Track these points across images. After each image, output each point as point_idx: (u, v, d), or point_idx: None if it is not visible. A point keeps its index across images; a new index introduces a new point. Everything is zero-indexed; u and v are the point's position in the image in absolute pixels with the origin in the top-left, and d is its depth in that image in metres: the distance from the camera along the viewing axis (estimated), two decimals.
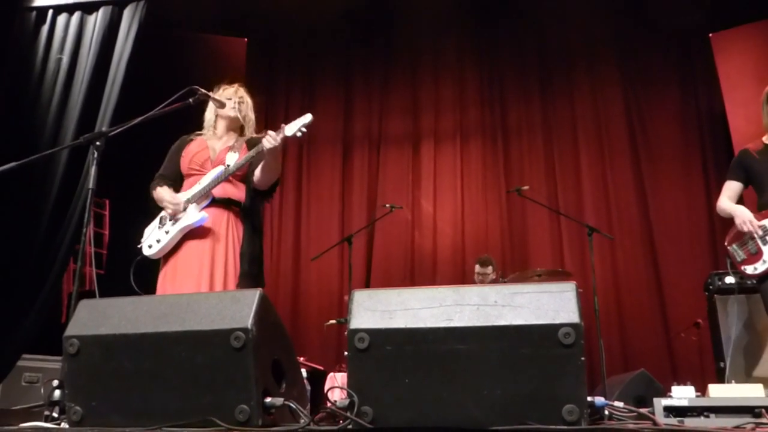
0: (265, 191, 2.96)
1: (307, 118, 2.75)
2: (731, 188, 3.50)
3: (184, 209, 2.87)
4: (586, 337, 1.58)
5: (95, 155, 2.66)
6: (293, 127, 2.75)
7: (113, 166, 3.92)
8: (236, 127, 3.10)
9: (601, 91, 6.76)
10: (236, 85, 3.14)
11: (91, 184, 2.65)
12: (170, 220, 2.90)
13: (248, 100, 3.13)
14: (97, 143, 2.67)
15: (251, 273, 2.83)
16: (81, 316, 1.86)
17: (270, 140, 2.73)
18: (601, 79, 6.78)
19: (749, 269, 3.31)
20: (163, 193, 2.95)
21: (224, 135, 3.08)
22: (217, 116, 3.10)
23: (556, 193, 6.54)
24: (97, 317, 1.83)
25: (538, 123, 6.80)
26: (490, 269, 5.51)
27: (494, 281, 5.45)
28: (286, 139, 2.74)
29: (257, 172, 2.89)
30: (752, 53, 5.81)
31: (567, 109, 6.78)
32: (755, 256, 3.29)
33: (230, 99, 3.07)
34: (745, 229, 3.32)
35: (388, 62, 7.20)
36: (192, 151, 3.02)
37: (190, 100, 2.85)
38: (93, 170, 2.65)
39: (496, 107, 6.95)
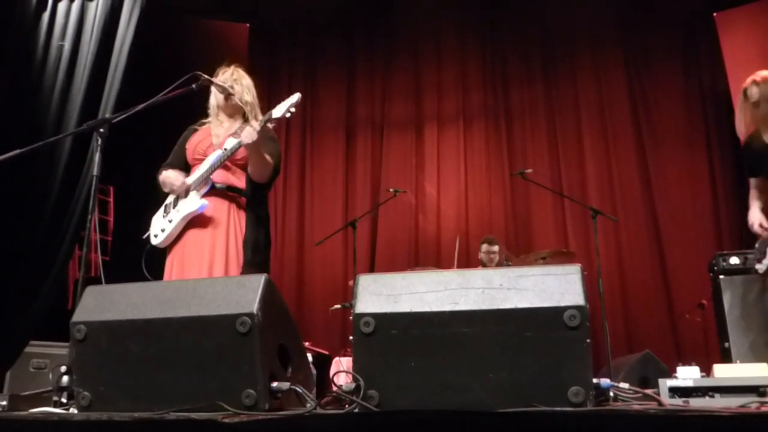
0: (262, 184, 2.91)
1: (295, 97, 2.73)
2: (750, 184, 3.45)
3: (186, 195, 2.86)
4: (591, 319, 1.57)
5: (99, 142, 2.65)
6: (281, 109, 2.72)
7: (117, 152, 3.91)
8: (238, 112, 3.04)
9: (605, 72, 6.72)
10: (232, 67, 3.07)
11: (95, 171, 2.65)
12: (174, 207, 2.88)
13: (246, 81, 3.04)
14: (101, 130, 2.67)
15: (255, 262, 2.79)
16: (88, 302, 1.86)
17: (248, 133, 2.69)
18: (604, 60, 6.74)
19: (759, 267, 3.31)
20: (168, 173, 2.93)
21: (228, 121, 3.04)
22: (218, 103, 3.05)
23: (560, 176, 6.53)
24: (103, 303, 1.84)
25: (541, 105, 6.77)
26: (497, 248, 5.53)
27: (500, 263, 5.46)
28: (276, 120, 2.71)
29: (249, 166, 2.86)
30: (757, 32, 5.75)
31: (570, 90, 6.75)
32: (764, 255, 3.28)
33: (227, 81, 3.00)
34: (754, 230, 3.29)
35: (390, 45, 7.16)
36: (196, 141, 2.99)
37: (193, 86, 2.82)
38: (97, 157, 2.65)
39: (498, 90, 6.91)
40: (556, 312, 1.53)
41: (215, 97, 3.05)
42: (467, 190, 6.66)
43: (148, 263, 2.88)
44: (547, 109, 6.75)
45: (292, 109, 2.72)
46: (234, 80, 3.01)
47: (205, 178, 2.85)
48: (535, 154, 6.63)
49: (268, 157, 2.84)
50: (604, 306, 4.56)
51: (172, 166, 3.00)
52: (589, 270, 4.40)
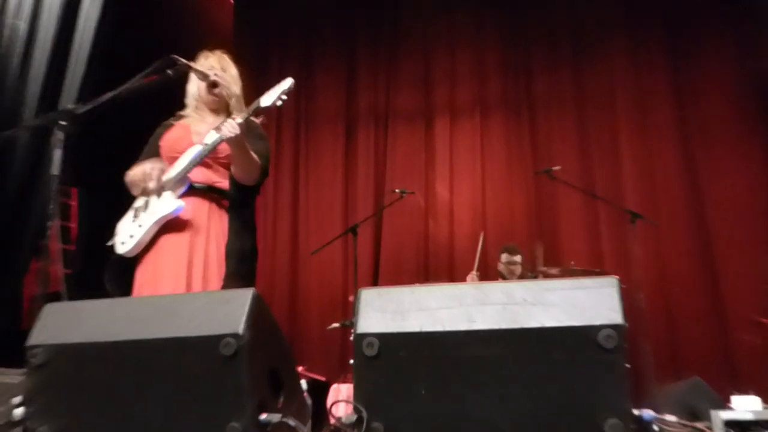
0: (248, 187, 2.91)
1: (287, 83, 2.73)
2: None
3: (159, 195, 2.86)
4: (630, 339, 1.57)
5: (60, 137, 2.66)
6: (271, 96, 2.72)
7: (82, 149, 3.92)
8: (221, 104, 3.04)
9: (644, 55, 6.69)
10: (218, 53, 3.07)
11: (55, 170, 2.65)
12: (145, 210, 2.87)
13: (234, 71, 3.07)
14: (63, 123, 2.67)
15: (239, 274, 2.78)
16: (47, 322, 1.87)
17: (230, 126, 2.67)
18: (643, 41, 6.72)
19: None
20: (136, 171, 2.91)
21: (210, 116, 3.03)
22: (199, 93, 3.04)
23: (592, 174, 6.51)
24: (65, 323, 1.84)
25: (570, 94, 6.76)
26: (518, 258, 5.53)
27: (522, 276, 5.45)
28: (264, 110, 2.70)
29: (232, 166, 2.86)
30: None
31: (604, 77, 6.73)
32: None
33: (212, 70, 3.00)
34: None
35: (396, 27, 7.19)
36: (172, 137, 2.98)
37: (169, 71, 2.82)
38: (58, 154, 2.65)
39: (520, 76, 6.91)
40: (589, 331, 1.53)
41: (196, 87, 3.04)
42: (485, 192, 6.66)
43: (114, 276, 2.87)
44: (576, 99, 6.74)
45: (284, 97, 2.71)
46: (221, 69, 3.02)
47: (182, 177, 2.84)
48: (563, 149, 6.62)
49: (254, 155, 2.84)
50: (646, 324, 4.53)
51: None
52: (627, 282, 4.39)
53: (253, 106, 2.75)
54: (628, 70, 6.69)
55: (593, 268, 5.62)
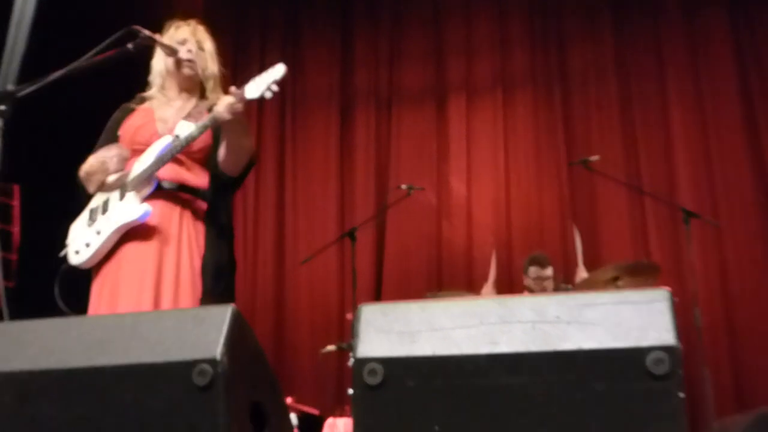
0: (234, 179, 2.94)
1: (279, 70, 2.70)
2: None
3: (121, 197, 2.87)
4: (686, 364, 1.57)
5: (0, 124, 2.67)
6: (260, 86, 2.70)
7: (25, 139, 3.93)
8: (193, 86, 3.06)
9: (701, 22, 6.70)
10: (193, 23, 3.08)
11: None
12: (103, 213, 2.88)
13: (209, 45, 3.08)
14: (2, 107, 2.68)
15: (216, 291, 2.81)
16: None
17: (226, 107, 2.68)
18: (700, 6, 6.71)
19: None
20: (91, 162, 2.92)
21: (177, 99, 3.05)
22: (167, 72, 3.05)
23: (638, 165, 6.52)
24: (7, 347, 1.85)
25: (611, 68, 6.76)
26: (549, 271, 5.51)
27: (555, 288, 5.45)
28: (247, 103, 2.70)
29: (221, 152, 2.87)
30: None
31: (651, 48, 6.74)
32: None
33: (184, 44, 3.02)
34: None
35: None
36: (134, 125, 2.99)
37: (130, 45, 2.83)
38: None
39: (551, 47, 6.92)
40: (635, 355, 1.53)
41: (163, 63, 3.05)
42: (508, 187, 6.67)
43: (65, 290, 2.88)
44: (619, 75, 6.74)
45: (275, 87, 2.70)
46: (196, 42, 3.03)
47: (149, 176, 2.84)
48: (602, 135, 6.63)
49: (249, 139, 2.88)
50: (703, 346, 4.53)
51: None
52: (681, 295, 4.39)
53: (238, 95, 2.70)
54: (681, 39, 6.69)
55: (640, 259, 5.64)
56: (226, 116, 2.70)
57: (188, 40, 3.03)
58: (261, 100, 2.74)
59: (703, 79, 6.59)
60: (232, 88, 2.72)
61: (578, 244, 5.80)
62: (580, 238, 5.84)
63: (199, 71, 3.02)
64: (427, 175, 6.69)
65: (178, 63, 3.00)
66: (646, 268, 5.22)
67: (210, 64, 3.06)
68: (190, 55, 3.01)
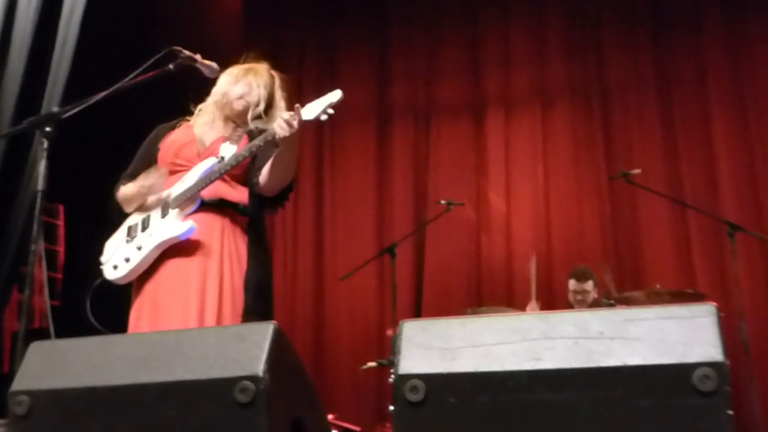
0: (274, 198, 2.96)
1: (336, 95, 2.70)
2: None
3: (163, 214, 2.89)
4: (733, 380, 1.55)
5: (45, 145, 2.70)
6: (315, 109, 2.71)
7: (69, 159, 3.99)
8: (238, 117, 3.09)
9: (742, 31, 6.62)
10: (265, 66, 3.15)
11: (39, 184, 2.68)
12: (143, 230, 2.90)
13: (270, 84, 3.13)
14: (47, 129, 2.71)
15: (256, 308, 2.81)
16: (32, 365, 1.90)
17: (284, 126, 2.69)
18: (742, 16, 6.64)
19: None
20: (130, 186, 2.95)
21: (221, 124, 3.08)
22: (224, 101, 3.07)
23: (680, 178, 6.45)
24: (53, 365, 1.87)
25: (651, 79, 6.71)
26: (590, 284, 5.45)
27: (596, 302, 5.39)
28: (304, 125, 2.72)
29: (264, 171, 2.88)
30: None
31: (692, 58, 6.67)
32: None
33: (244, 81, 3.06)
34: None
35: (437, 3, 7.20)
36: (176, 142, 3.03)
37: (171, 66, 2.87)
38: (42, 166, 2.68)
39: (589, 60, 6.88)
40: (681, 371, 1.51)
41: (223, 92, 3.07)
42: (548, 201, 6.63)
43: (97, 306, 2.90)
44: (660, 87, 6.68)
45: (330, 111, 2.71)
46: (259, 84, 3.08)
47: (193, 195, 2.85)
48: (644, 148, 6.57)
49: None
50: (751, 362, 4.46)
51: (135, 178, 3.01)
52: (727, 310, 4.32)
53: (297, 114, 2.71)
54: (723, 48, 6.62)
55: (684, 289, 5.53)
56: (282, 133, 2.70)
57: (251, 82, 3.08)
58: (316, 122, 2.74)
59: (746, 89, 6.51)
60: (296, 106, 2.74)
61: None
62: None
63: (251, 109, 3.05)
64: (465, 189, 6.67)
65: (237, 97, 3.04)
66: (691, 298, 5.12)
67: (262, 102, 3.07)
68: (247, 89, 3.06)
